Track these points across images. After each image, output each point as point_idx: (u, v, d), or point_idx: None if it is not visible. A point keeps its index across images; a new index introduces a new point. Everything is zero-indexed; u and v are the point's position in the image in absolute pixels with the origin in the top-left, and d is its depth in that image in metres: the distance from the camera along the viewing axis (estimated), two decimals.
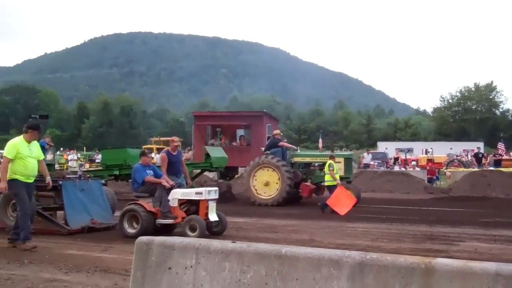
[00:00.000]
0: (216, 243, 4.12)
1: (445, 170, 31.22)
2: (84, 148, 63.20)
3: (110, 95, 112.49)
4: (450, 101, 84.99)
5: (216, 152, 18.45)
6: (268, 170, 17.42)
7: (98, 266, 7.52)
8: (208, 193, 10.27)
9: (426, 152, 43.10)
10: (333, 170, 15.14)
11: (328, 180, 15.27)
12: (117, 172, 17.92)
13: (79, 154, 48.27)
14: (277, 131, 19.27)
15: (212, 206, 10.37)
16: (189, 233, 9.77)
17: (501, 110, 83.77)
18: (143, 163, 11.01)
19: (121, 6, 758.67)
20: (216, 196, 10.60)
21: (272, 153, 17.60)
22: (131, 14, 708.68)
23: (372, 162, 34.65)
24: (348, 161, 17.67)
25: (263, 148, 18.60)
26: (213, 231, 10.41)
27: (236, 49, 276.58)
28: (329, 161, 15.37)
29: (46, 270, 7.33)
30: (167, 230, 10.44)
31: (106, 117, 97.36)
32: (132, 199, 11.26)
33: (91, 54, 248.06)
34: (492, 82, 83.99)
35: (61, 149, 53.12)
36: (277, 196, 17.20)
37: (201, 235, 9.40)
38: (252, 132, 23.32)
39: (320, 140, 53.32)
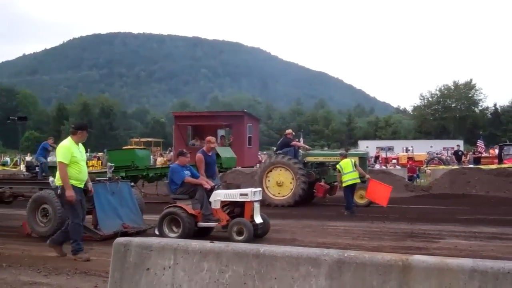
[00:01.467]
0: (194, 244, 4.11)
1: (425, 168, 31.43)
2: None
3: (90, 96, 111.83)
4: (430, 99, 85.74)
5: (226, 152, 18.12)
6: (281, 170, 16.91)
7: (78, 268, 7.43)
8: (254, 194, 9.81)
9: (407, 150, 43.41)
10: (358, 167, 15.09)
11: (352, 179, 14.70)
12: (123, 174, 17.27)
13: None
14: (289, 131, 18.61)
15: (257, 207, 9.94)
16: (236, 237, 9.35)
17: (480, 108, 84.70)
18: (181, 163, 10.41)
19: (100, 6, 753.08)
20: (260, 197, 10.24)
21: (284, 153, 17.19)
22: (110, 14, 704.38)
23: None
24: (363, 160, 17.49)
25: (274, 148, 18.25)
26: (258, 233, 9.85)
27: (216, 49, 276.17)
28: (353, 159, 15.08)
29: (25, 273, 7.24)
30: (202, 234, 9.99)
31: (85, 118, 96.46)
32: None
33: (70, 55, 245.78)
34: (471, 80, 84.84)
35: None
36: (291, 196, 16.66)
37: (249, 239, 9.08)
38: (233, 132, 23.32)
39: (301, 140, 53.56)
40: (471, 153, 36.53)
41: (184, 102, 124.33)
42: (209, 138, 11.75)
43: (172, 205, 10.14)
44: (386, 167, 35.45)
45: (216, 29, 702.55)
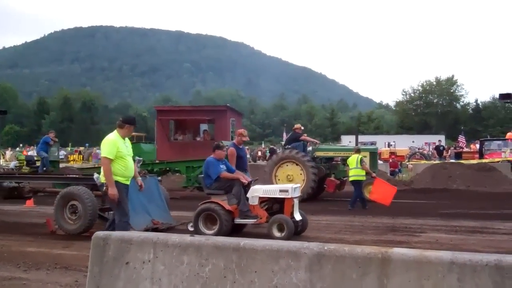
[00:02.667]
0: (174, 237, 4.09)
1: (407, 163, 31.68)
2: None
3: (71, 90, 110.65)
4: (412, 95, 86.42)
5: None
6: (291, 165, 16.64)
7: (59, 263, 7.37)
8: (294, 190, 9.48)
9: (389, 145, 43.76)
10: (365, 164, 14.95)
11: (354, 175, 14.68)
12: None
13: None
14: (298, 125, 18.28)
15: (297, 204, 9.63)
16: (277, 233, 9.03)
17: (462, 103, 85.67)
18: (217, 157, 9.90)
19: None
20: (299, 193, 9.96)
21: (293, 147, 16.89)
22: (91, 7, 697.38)
23: None
24: (373, 155, 17.45)
25: (282, 142, 17.96)
26: (297, 231, 9.48)
27: (199, 43, 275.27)
28: (359, 156, 14.86)
29: (5, 269, 7.15)
30: (237, 230, 9.73)
31: (67, 112, 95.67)
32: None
33: (51, 49, 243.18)
34: (453, 76, 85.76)
35: (20, 145, 52.07)
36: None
37: (289, 237, 8.80)
38: (216, 127, 23.22)
39: (284, 135, 53.58)
40: (453, 148, 36.85)
41: (167, 96, 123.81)
42: (241, 130, 11.42)
43: (207, 201, 9.72)
44: None
45: (199, 23, 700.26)
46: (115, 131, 7.78)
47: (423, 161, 30.04)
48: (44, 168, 17.83)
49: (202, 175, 10.14)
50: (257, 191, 9.59)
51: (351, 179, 14.82)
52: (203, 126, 24.13)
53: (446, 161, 28.35)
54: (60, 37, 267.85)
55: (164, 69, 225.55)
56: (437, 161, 27.75)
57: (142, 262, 4.08)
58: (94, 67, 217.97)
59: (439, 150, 34.75)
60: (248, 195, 9.57)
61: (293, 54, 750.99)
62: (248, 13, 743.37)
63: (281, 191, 9.47)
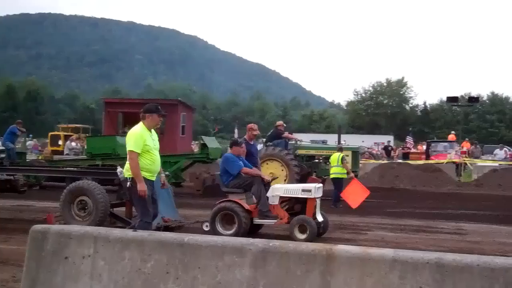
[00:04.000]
0: (116, 232, 4.01)
1: None
2: None
3: (16, 79, 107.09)
4: (363, 95, 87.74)
5: (212, 142, 17.51)
6: (271, 163, 16.15)
7: None
8: (317, 190, 9.12)
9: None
10: (346, 163, 14.84)
11: (335, 173, 14.68)
12: (99, 162, 16.08)
13: None
14: (280, 122, 17.96)
15: (319, 204, 9.31)
16: (299, 235, 8.66)
17: (411, 105, 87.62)
18: (236, 153, 9.37)
19: None
20: (321, 194, 9.57)
21: (274, 145, 16.49)
22: None
23: None
24: (355, 154, 17.36)
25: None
26: (319, 232, 9.21)
27: (151, 35, 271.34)
28: (341, 154, 14.79)
29: None
30: (252, 231, 9.25)
31: (10, 101, 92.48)
32: None
33: None
34: (403, 78, 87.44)
35: None
36: None
37: (312, 238, 8.46)
38: (166, 121, 22.95)
39: (236, 131, 53.55)
40: (400, 148, 37.74)
41: (117, 88, 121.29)
42: (251, 125, 10.93)
43: (224, 199, 9.20)
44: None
45: (152, 15, 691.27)
46: (141, 123, 7.14)
47: (372, 160, 30.60)
48: (10, 160, 16.94)
49: (219, 173, 9.68)
50: (278, 190, 9.17)
51: (332, 176, 14.88)
52: None
53: (394, 161, 28.99)
54: (5, 23, 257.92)
55: (114, 60, 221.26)
56: (385, 161, 28.32)
57: (82, 257, 3.98)
58: (41, 56, 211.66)
59: (387, 150, 35.52)
60: (269, 194, 9.12)
61: (247, 50, 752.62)
62: (202, 6, 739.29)
63: (303, 190, 9.08)
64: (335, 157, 14.83)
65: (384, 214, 13.15)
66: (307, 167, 16.85)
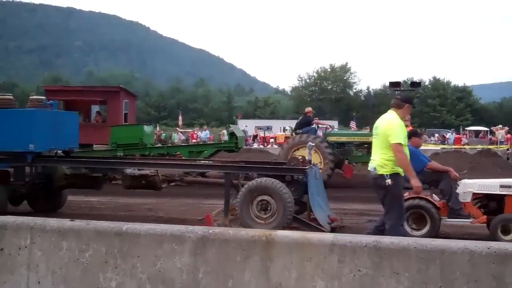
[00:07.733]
0: (52, 222, 3.95)
1: None
2: None
3: None
4: (308, 81, 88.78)
5: (239, 131, 17.34)
6: (303, 151, 15.08)
7: None
8: None
9: (284, 130, 44.77)
10: None
11: None
12: (121, 153, 15.58)
13: None
14: (309, 109, 17.51)
15: None
16: (503, 236, 7.71)
17: (354, 90, 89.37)
18: (415, 145, 8.42)
19: None
20: None
21: (304, 132, 16.04)
22: None
23: None
24: None
25: (292, 127, 17.20)
26: None
27: (92, 21, 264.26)
28: None
29: None
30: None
31: None
32: None
33: None
34: (346, 63, 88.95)
35: None
36: None
37: None
38: (108, 108, 22.48)
39: (180, 118, 53.10)
40: None
41: (57, 76, 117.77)
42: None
43: (412, 196, 7.93)
44: (264, 146, 36.35)
45: (92, 1, 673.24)
46: (393, 113, 6.45)
47: None
48: None
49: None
50: (471, 186, 8.22)
51: None
52: (95, 108, 23.28)
53: None
54: None
55: (53, 47, 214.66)
56: None
57: (18, 248, 3.95)
58: None
59: None
60: (459, 190, 8.23)
61: (190, 36, 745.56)
62: None
63: (502, 186, 8.05)
64: None
65: (328, 198, 13.17)
66: (339, 154, 16.52)
